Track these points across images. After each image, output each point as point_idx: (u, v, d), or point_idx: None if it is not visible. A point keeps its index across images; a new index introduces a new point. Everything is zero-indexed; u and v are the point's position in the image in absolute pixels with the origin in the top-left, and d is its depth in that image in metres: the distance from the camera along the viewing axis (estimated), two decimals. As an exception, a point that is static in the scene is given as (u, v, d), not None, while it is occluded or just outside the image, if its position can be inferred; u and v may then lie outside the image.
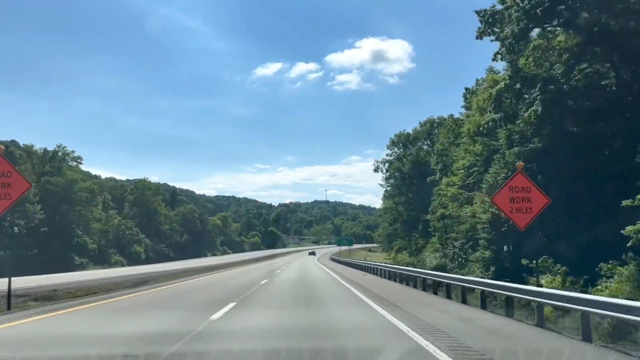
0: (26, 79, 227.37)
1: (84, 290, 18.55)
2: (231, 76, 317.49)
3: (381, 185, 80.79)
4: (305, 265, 49.39)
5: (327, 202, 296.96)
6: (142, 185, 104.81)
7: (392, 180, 74.59)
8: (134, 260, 76.23)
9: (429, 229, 51.44)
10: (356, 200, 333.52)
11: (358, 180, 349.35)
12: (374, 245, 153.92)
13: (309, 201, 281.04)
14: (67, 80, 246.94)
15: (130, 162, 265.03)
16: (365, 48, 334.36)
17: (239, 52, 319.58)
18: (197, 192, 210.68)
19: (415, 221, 64.39)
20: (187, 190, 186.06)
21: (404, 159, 70.02)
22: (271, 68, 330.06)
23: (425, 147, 66.71)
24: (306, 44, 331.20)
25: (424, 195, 58.47)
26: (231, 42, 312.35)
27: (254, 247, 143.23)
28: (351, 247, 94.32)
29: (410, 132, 69.29)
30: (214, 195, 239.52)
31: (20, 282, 19.63)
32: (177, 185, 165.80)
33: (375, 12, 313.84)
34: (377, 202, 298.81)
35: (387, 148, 73.67)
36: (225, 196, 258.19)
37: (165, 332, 9.00)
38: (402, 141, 70.82)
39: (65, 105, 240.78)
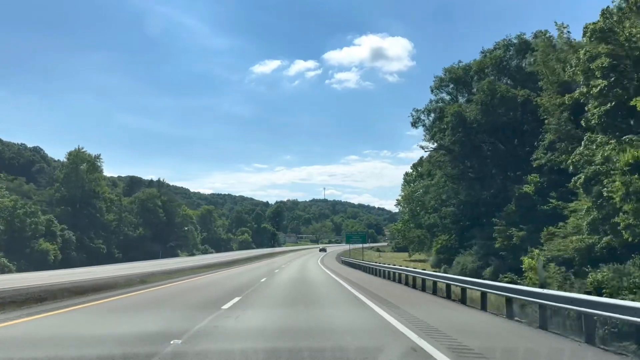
0: (20, 75, 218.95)
1: None
2: (229, 74, 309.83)
3: (422, 148, 51.45)
4: (304, 275, 32.97)
5: (325, 200, 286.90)
6: (75, 158, 76.85)
7: (445, 138, 44.46)
8: (36, 263, 55.27)
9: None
10: (355, 200, 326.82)
11: (356, 180, 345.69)
12: (380, 244, 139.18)
13: (307, 200, 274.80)
14: (62, 76, 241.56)
15: (125, 161, 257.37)
16: (365, 45, 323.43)
17: (237, 49, 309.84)
18: (192, 190, 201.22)
19: (479, 205, 43.96)
20: (182, 188, 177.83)
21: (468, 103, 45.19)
22: (269, 66, 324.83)
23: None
24: (305, 41, 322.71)
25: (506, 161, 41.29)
26: (229, 39, 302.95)
27: (243, 246, 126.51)
28: (364, 245, 75.82)
29: (471, 63, 45.80)
30: (209, 193, 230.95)
31: None
32: (173, 184, 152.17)
33: (375, 9, 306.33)
34: (375, 202, 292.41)
35: (432, 92, 49.71)
36: (220, 194, 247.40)
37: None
38: (458, 78, 45.89)
39: (60, 101, 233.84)
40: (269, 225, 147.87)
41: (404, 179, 79.42)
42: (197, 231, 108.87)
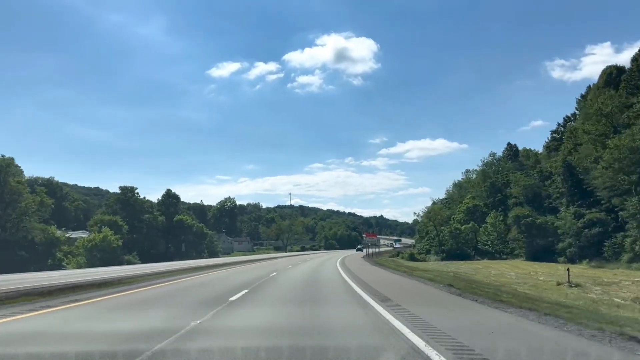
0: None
1: None
2: (186, 81, 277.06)
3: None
4: None
5: (291, 206, 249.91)
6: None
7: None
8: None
9: None
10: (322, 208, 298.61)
11: (321, 190, 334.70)
12: (383, 249, 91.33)
13: (272, 205, 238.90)
14: (6, 87, 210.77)
15: (80, 175, 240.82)
16: (328, 46, 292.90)
17: (193, 54, 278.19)
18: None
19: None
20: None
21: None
22: (227, 69, 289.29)
23: None
24: (264, 41, 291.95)
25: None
26: (184, 44, 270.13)
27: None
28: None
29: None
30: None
31: None
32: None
33: (338, 6, 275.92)
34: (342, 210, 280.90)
35: None
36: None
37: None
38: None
39: (5, 113, 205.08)
40: (202, 228, 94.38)
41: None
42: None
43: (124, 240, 64.57)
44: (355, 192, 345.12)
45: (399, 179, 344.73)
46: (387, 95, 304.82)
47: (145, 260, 67.56)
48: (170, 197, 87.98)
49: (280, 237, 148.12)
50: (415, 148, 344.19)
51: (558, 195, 60.14)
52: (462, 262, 68.31)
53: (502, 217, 75.44)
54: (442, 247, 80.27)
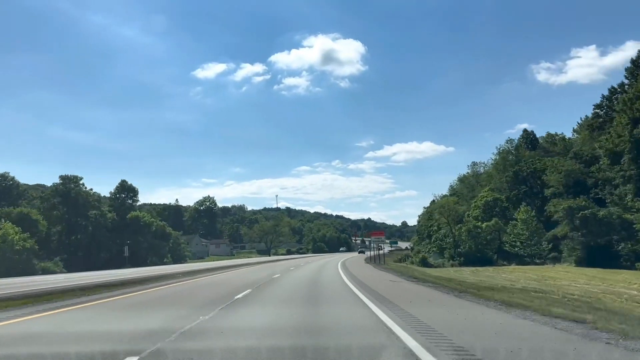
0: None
1: None
2: (172, 82, 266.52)
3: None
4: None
5: (278, 209, 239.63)
6: None
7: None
8: None
9: None
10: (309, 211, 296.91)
11: (308, 193, 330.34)
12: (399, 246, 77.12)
13: (258, 208, 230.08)
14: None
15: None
16: (315, 47, 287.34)
17: (178, 55, 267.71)
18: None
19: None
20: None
21: None
22: (213, 70, 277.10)
23: None
24: (250, 42, 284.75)
25: None
26: (169, 46, 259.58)
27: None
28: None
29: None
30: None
31: None
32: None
33: (325, 7, 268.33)
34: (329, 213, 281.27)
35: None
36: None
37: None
38: None
39: None
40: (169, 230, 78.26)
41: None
42: None
43: (49, 242, 48.58)
44: (342, 195, 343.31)
45: (386, 182, 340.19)
46: (374, 97, 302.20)
47: (82, 268, 51.84)
48: (124, 190, 71.90)
49: (264, 240, 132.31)
50: (402, 151, 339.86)
51: (621, 180, 45.76)
52: (490, 267, 53.76)
53: (533, 212, 61.08)
54: (458, 250, 65.69)
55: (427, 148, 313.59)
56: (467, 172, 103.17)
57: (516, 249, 60.38)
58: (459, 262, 62.30)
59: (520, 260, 61.01)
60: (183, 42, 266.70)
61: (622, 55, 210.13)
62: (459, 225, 66.20)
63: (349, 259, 65.00)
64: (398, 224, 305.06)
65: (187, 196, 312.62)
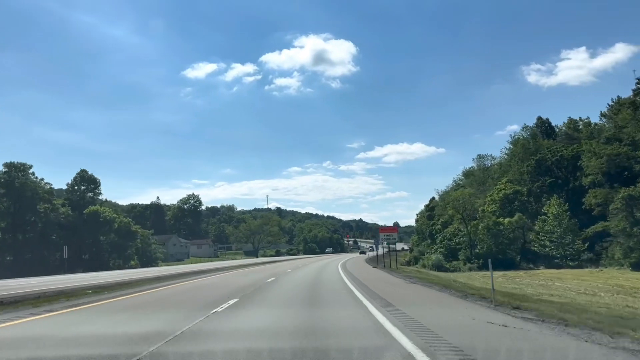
0: None
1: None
2: (162, 83, 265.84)
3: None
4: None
5: (268, 209, 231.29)
6: None
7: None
8: None
9: None
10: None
11: (299, 194, 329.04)
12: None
13: (248, 208, 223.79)
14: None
15: (51, 179, 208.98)
16: (307, 48, 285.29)
17: (169, 56, 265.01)
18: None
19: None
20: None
21: None
22: (204, 70, 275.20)
23: None
24: (241, 41, 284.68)
25: None
26: (159, 45, 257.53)
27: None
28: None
29: None
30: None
31: None
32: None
33: (317, 7, 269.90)
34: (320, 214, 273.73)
35: None
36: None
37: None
38: None
39: None
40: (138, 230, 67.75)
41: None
42: None
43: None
44: (333, 197, 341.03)
45: (377, 183, 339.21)
46: (365, 98, 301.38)
47: (28, 272, 41.70)
48: (84, 181, 61.37)
49: (251, 240, 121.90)
50: (393, 152, 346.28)
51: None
52: (520, 272, 44.41)
53: (566, 205, 51.78)
54: (476, 251, 56.27)
55: (417, 149, 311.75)
56: (472, 167, 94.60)
57: (547, 249, 51.05)
58: (477, 264, 52.89)
59: (549, 263, 51.71)
60: (173, 42, 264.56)
61: (611, 57, 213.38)
62: (474, 222, 56.81)
63: (350, 259, 55.52)
64: (390, 224, 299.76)
65: (178, 197, 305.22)
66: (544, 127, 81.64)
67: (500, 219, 54.49)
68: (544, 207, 53.10)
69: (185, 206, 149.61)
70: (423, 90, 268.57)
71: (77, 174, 61.11)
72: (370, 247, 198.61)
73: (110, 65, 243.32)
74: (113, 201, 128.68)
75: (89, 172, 61.57)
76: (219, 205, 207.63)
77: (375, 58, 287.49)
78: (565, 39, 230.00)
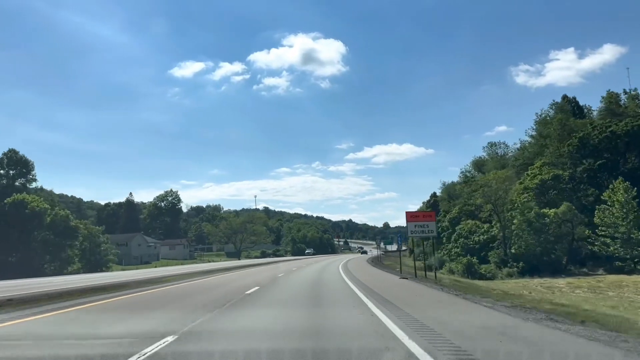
0: None
1: None
2: (148, 83, 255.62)
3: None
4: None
5: (257, 210, 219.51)
6: None
7: None
8: None
9: None
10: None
11: (287, 195, 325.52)
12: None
13: (236, 208, 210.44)
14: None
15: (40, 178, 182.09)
16: (295, 47, 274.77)
17: (156, 55, 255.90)
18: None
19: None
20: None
21: None
22: (191, 69, 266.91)
23: None
24: (229, 40, 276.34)
25: None
26: (146, 45, 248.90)
27: None
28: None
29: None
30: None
31: None
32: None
33: (306, 6, 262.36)
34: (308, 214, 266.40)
35: None
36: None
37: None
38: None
39: None
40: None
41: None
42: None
43: None
44: (322, 197, 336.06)
45: (366, 184, 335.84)
46: (354, 99, 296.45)
47: None
48: (12, 164, 47.82)
49: (232, 239, 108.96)
50: (382, 153, 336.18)
51: None
52: (587, 279, 32.45)
53: (635, 190, 39.90)
54: (511, 250, 44.27)
55: (407, 150, 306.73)
56: (483, 156, 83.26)
57: (610, 248, 39.13)
58: (517, 269, 40.88)
59: (610, 266, 39.90)
60: (160, 40, 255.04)
61: (600, 59, 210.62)
62: (509, 213, 44.83)
63: (351, 260, 43.36)
64: (379, 225, 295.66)
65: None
66: (570, 107, 70.40)
67: (545, 210, 42.53)
68: (604, 194, 41.20)
69: (162, 204, 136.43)
70: (412, 90, 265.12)
71: (4, 154, 47.76)
72: (359, 247, 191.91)
73: (96, 64, 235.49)
74: (51, 190, 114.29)
75: (20, 153, 48.84)
76: (204, 205, 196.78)
77: (365, 58, 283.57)
78: (554, 40, 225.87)
